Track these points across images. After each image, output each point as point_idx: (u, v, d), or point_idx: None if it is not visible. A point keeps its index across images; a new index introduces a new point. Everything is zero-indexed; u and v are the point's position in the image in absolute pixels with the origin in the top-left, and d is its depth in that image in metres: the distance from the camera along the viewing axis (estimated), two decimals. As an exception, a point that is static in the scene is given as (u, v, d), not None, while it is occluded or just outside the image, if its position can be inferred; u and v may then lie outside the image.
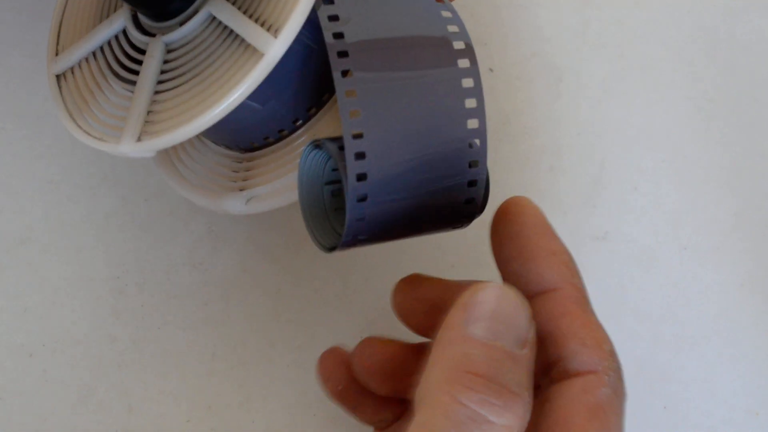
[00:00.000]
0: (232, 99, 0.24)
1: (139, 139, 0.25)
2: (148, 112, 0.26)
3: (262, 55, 0.24)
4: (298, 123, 0.30)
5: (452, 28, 0.24)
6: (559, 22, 0.36)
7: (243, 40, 0.24)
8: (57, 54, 0.29)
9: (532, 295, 0.24)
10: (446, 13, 0.24)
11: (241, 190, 0.30)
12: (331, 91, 0.30)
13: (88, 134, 0.27)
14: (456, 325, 0.21)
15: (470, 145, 0.23)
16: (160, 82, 0.26)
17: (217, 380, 0.33)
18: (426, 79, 0.22)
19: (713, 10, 0.36)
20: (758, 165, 0.34)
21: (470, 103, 0.23)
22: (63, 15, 0.29)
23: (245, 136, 0.28)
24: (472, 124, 0.23)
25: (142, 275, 0.35)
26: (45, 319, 0.34)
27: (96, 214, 0.35)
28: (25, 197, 0.36)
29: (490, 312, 0.21)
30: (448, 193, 0.23)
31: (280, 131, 0.30)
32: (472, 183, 0.24)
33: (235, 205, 0.30)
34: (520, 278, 0.24)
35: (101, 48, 0.28)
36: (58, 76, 0.29)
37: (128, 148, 0.25)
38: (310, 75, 0.28)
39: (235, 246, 0.35)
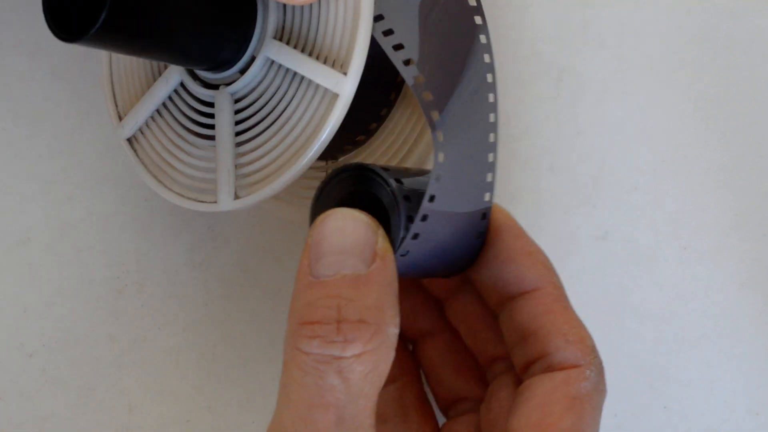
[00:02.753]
0: (320, 143, 0.24)
1: (237, 196, 0.25)
2: (236, 166, 0.26)
3: (336, 95, 0.24)
4: (373, 126, 0.30)
5: (489, 78, 0.25)
6: (559, 22, 0.36)
7: (311, 81, 0.24)
8: (120, 119, 0.28)
9: (512, 296, 0.24)
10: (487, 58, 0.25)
11: None
12: (396, 88, 0.30)
13: (182, 196, 0.27)
14: (301, 273, 0.21)
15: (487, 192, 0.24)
16: (237, 134, 0.26)
17: (217, 380, 0.33)
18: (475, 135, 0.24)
19: (713, 10, 0.35)
20: (758, 165, 0.34)
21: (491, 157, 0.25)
22: (112, 78, 0.29)
23: (327, 151, 0.28)
24: (490, 177, 0.25)
25: (142, 275, 0.35)
26: (45, 319, 0.34)
27: (96, 214, 0.35)
28: (25, 197, 0.36)
29: (330, 245, 0.21)
30: (468, 232, 0.24)
31: (358, 138, 0.30)
32: (484, 215, 0.25)
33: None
34: (499, 280, 0.24)
35: (164, 104, 0.27)
36: (129, 140, 0.28)
37: (228, 206, 0.25)
38: (377, 81, 0.28)
39: (235, 246, 0.35)
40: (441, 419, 0.29)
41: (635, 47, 0.36)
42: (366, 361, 0.20)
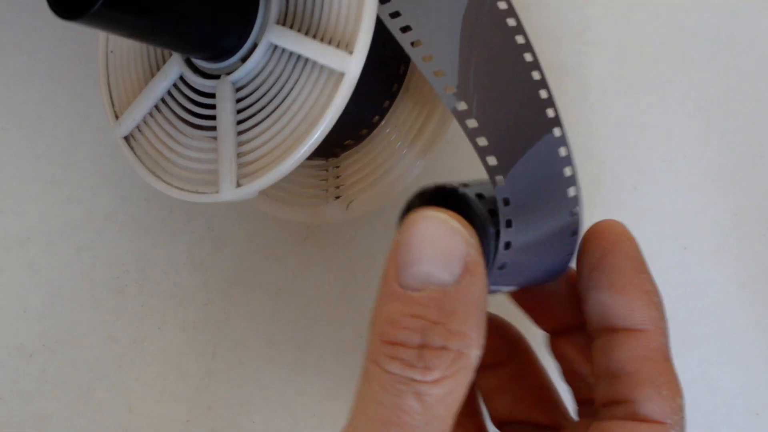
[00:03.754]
0: (325, 125, 0.24)
1: (238, 185, 0.25)
2: (238, 155, 0.25)
3: (342, 74, 0.23)
4: (375, 119, 0.30)
5: (543, 94, 0.24)
6: (559, 22, 0.36)
7: (315, 62, 0.24)
8: (117, 117, 0.28)
9: (615, 329, 0.23)
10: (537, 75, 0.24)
11: (336, 198, 0.30)
12: (399, 80, 0.30)
13: (182, 189, 0.26)
14: (388, 277, 0.20)
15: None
16: (239, 122, 0.26)
17: (217, 380, 0.33)
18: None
19: (713, 10, 0.36)
20: (758, 165, 0.34)
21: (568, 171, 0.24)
22: (108, 76, 0.29)
23: (329, 146, 0.28)
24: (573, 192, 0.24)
25: (142, 275, 0.35)
26: (45, 319, 0.34)
27: (96, 214, 0.35)
28: (25, 197, 0.36)
29: (419, 253, 0.20)
30: (559, 248, 0.24)
31: (361, 132, 0.30)
32: (570, 253, 0.24)
33: (335, 213, 0.30)
34: (607, 309, 0.23)
35: (162, 99, 0.27)
36: (126, 138, 0.28)
37: (230, 195, 0.25)
38: (380, 71, 0.28)
39: (235, 246, 0.35)
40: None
41: (635, 47, 0.36)
42: (444, 386, 0.19)
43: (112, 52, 0.29)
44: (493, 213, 0.22)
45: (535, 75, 0.24)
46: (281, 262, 0.35)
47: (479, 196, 0.22)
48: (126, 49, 0.28)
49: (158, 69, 0.27)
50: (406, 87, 0.31)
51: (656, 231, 0.34)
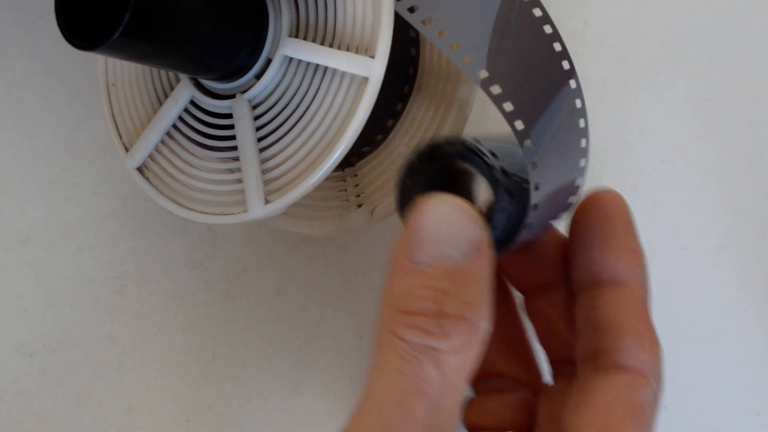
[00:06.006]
0: (353, 131, 0.23)
1: (267, 201, 0.25)
2: (263, 172, 0.25)
3: (366, 79, 0.23)
4: (390, 123, 0.30)
5: (557, 47, 0.25)
6: (559, 22, 0.36)
7: (336, 71, 0.24)
8: (127, 149, 0.28)
9: (601, 283, 0.24)
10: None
11: (359, 206, 0.30)
12: (409, 81, 0.30)
13: (207, 213, 0.26)
14: (399, 256, 0.21)
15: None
16: (260, 139, 0.25)
17: (217, 380, 0.33)
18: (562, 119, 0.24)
19: (713, 10, 0.35)
20: (758, 165, 0.34)
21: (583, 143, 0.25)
22: (112, 109, 0.28)
23: (346, 155, 0.28)
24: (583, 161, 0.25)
25: (142, 275, 0.35)
26: (45, 319, 0.34)
27: (96, 214, 0.35)
28: (25, 197, 0.36)
29: (431, 233, 0.21)
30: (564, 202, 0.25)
31: (376, 137, 0.30)
32: (574, 193, 0.25)
33: (359, 221, 0.30)
34: (594, 263, 0.24)
35: (173, 125, 0.27)
36: (139, 169, 0.27)
37: (260, 212, 0.25)
38: (391, 74, 0.28)
39: (235, 246, 0.35)
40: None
41: (635, 47, 0.36)
42: (461, 355, 0.20)
43: (113, 84, 0.28)
44: (505, 173, 0.22)
45: (547, 29, 0.25)
46: (281, 262, 0.35)
47: (492, 154, 0.23)
48: (128, 79, 0.28)
49: (166, 95, 0.27)
50: (417, 88, 0.30)
51: (656, 231, 0.34)
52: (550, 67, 0.24)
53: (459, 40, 0.22)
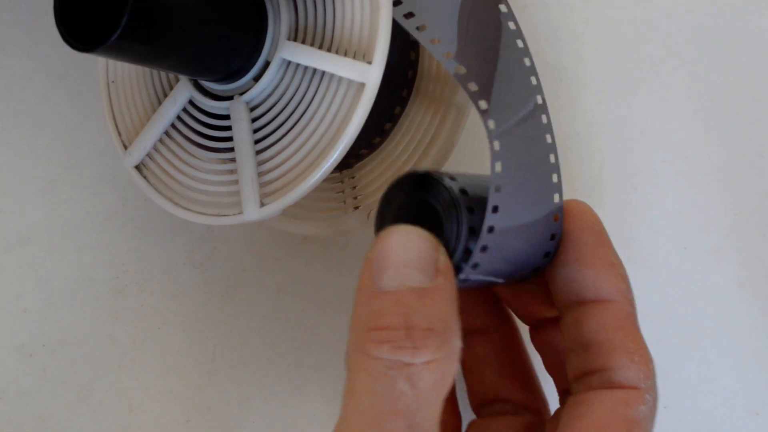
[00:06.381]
0: (349, 136, 0.24)
1: (262, 204, 0.25)
2: (259, 174, 0.25)
3: (362, 85, 0.23)
4: (388, 127, 0.30)
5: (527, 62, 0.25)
6: (559, 22, 0.36)
7: (333, 75, 0.24)
8: (126, 147, 0.28)
9: (584, 302, 0.24)
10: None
11: (356, 208, 0.30)
12: (408, 84, 0.30)
13: (203, 213, 0.26)
14: (364, 285, 0.21)
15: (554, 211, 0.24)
16: (257, 141, 0.25)
17: (217, 380, 0.33)
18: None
19: (713, 10, 0.35)
20: (758, 165, 0.34)
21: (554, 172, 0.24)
22: (111, 106, 0.28)
23: (344, 157, 0.28)
24: (555, 178, 0.24)
25: (142, 275, 0.35)
26: (45, 319, 0.34)
27: (96, 214, 0.35)
28: (25, 197, 0.36)
29: (394, 259, 0.21)
30: (541, 238, 0.24)
31: (374, 140, 0.30)
32: (552, 237, 0.24)
33: (357, 223, 0.30)
34: (574, 283, 0.24)
35: (172, 125, 0.27)
36: (137, 167, 0.28)
37: (255, 215, 0.25)
38: (389, 78, 0.28)
39: (235, 246, 0.35)
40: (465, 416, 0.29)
41: (635, 47, 0.36)
42: (435, 370, 0.20)
43: (113, 82, 0.28)
44: (471, 210, 0.22)
45: (519, 43, 0.25)
46: (281, 262, 0.35)
47: (462, 191, 0.23)
48: (128, 77, 0.28)
49: (165, 94, 0.27)
50: (416, 92, 0.31)
51: (656, 231, 0.34)
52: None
53: (427, 22, 0.23)
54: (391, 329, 0.20)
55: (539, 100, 0.24)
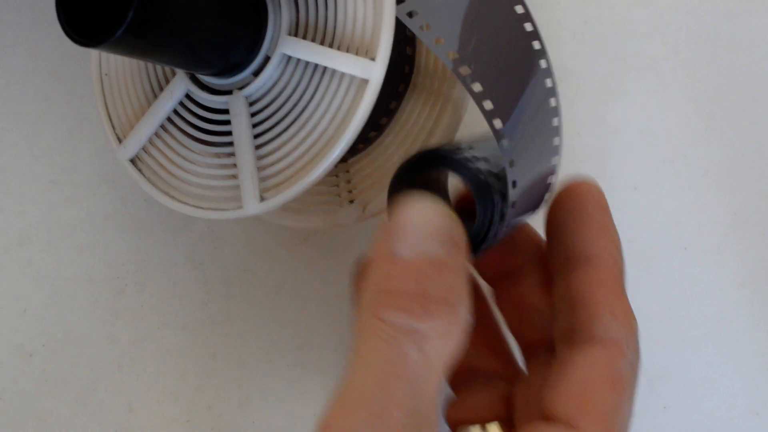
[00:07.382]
0: (352, 132, 0.23)
1: (262, 199, 0.25)
2: (258, 169, 0.25)
3: (366, 81, 0.23)
4: (384, 121, 0.30)
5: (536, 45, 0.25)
6: (558, 22, 0.36)
7: (335, 71, 0.24)
8: (120, 140, 0.27)
9: (576, 260, 0.25)
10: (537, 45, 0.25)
11: (351, 201, 0.30)
12: (404, 79, 0.30)
13: (200, 207, 0.26)
14: (380, 249, 0.21)
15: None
16: (256, 136, 0.25)
17: (217, 380, 0.33)
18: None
19: (713, 10, 0.36)
20: (758, 165, 0.34)
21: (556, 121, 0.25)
22: (105, 99, 0.28)
23: None
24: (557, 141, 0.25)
25: (142, 275, 0.35)
26: (45, 319, 0.34)
27: (96, 214, 0.35)
28: (25, 197, 0.36)
29: (413, 229, 0.21)
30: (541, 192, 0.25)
31: (369, 135, 0.30)
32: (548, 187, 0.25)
33: (350, 217, 0.30)
34: (568, 243, 0.25)
35: (168, 118, 0.27)
36: (132, 161, 0.27)
37: (255, 209, 0.25)
38: (388, 70, 0.28)
39: (235, 246, 0.35)
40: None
41: (635, 47, 0.36)
42: (443, 340, 0.20)
43: (106, 74, 0.28)
44: (496, 178, 0.23)
45: (528, 26, 0.25)
46: (281, 262, 0.35)
47: (476, 159, 0.23)
48: (122, 70, 0.28)
49: (161, 87, 0.27)
50: (412, 87, 0.30)
51: (656, 231, 0.34)
52: (520, 47, 0.24)
53: (432, 21, 0.22)
54: (405, 295, 0.20)
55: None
